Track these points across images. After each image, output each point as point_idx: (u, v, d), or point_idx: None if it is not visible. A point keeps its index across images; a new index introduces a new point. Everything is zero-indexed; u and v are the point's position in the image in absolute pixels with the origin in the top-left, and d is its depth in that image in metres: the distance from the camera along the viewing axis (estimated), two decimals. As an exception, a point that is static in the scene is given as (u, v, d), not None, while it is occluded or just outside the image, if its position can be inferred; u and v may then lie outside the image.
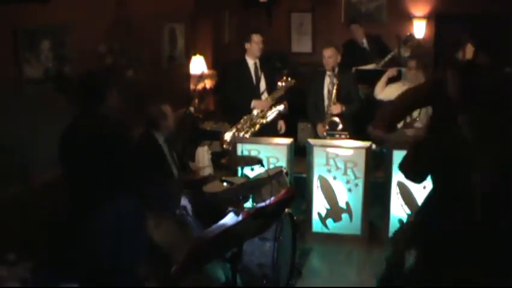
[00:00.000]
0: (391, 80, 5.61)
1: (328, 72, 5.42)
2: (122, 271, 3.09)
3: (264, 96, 5.51)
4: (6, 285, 3.18)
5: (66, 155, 3.16)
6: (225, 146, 5.48)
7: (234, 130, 5.44)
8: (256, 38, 5.41)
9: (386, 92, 5.43)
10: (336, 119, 5.32)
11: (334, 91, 5.31)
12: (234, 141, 5.19)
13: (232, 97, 5.63)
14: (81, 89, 3.24)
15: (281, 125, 5.60)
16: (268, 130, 5.43)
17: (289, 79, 5.49)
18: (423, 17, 8.03)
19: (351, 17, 7.84)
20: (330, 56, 5.36)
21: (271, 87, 5.52)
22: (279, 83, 5.48)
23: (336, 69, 5.38)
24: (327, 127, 5.34)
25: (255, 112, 5.45)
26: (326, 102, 5.44)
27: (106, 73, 3.45)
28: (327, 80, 5.45)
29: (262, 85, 5.52)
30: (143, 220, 3.24)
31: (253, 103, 5.45)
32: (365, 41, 7.17)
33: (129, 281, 3.13)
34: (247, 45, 5.47)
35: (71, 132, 3.18)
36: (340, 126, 5.30)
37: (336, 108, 5.32)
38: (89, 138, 3.08)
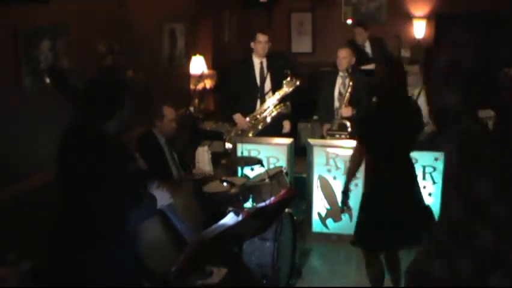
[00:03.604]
0: None
1: (341, 73, 5.36)
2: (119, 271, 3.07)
3: (269, 96, 5.43)
4: (6, 285, 3.18)
5: (62, 159, 3.08)
6: (227, 144, 5.48)
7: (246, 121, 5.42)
8: (261, 37, 5.33)
9: None
10: (346, 122, 5.26)
11: (347, 94, 5.21)
12: (234, 141, 5.19)
13: (232, 97, 5.59)
14: (91, 99, 2.90)
15: (285, 125, 5.51)
16: (271, 131, 5.41)
17: (293, 79, 5.37)
18: (423, 17, 8.03)
19: (357, 19, 7.77)
20: (344, 57, 5.26)
21: (277, 88, 5.43)
22: (284, 82, 5.38)
23: (349, 71, 5.27)
24: (334, 128, 5.30)
25: (256, 111, 5.43)
26: (336, 103, 5.37)
27: (120, 86, 3.07)
28: (338, 81, 5.38)
29: (268, 85, 5.45)
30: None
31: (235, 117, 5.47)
32: (367, 44, 7.11)
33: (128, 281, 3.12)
34: (252, 45, 5.41)
35: (70, 139, 3.03)
36: (349, 129, 5.24)
37: (347, 111, 5.22)
38: (88, 150, 2.83)
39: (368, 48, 7.06)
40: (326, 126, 5.39)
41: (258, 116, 5.42)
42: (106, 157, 2.81)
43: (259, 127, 5.42)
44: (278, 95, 5.38)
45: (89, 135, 2.85)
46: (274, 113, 5.40)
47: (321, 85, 5.60)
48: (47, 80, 4.02)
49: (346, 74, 5.29)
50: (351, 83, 5.21)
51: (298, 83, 5.39)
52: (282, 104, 5.38)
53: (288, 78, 5.39)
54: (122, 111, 2.90)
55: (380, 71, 3.75)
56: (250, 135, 5.42)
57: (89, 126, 2.86)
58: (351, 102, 5.22)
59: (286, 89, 5.36)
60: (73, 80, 3.05)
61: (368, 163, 3.69)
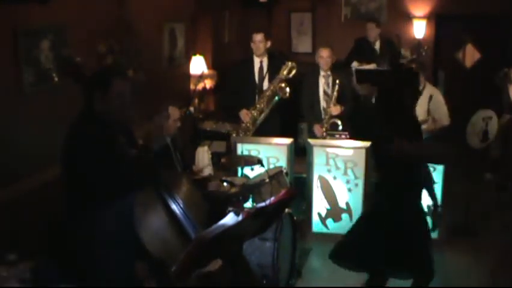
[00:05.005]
0: None
1: (322, 72, 5.41)
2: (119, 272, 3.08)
3: None
4: (6, 285, 3.18)
5: (65, 156, 3.11)
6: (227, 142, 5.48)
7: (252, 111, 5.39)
8: (255, 37, 5.35)
9: None
10: (337, 121, 5.29)
11: (335, 93, 5.28)
12: (234, 141, 5.19)
13: (231, 97, 5.59)
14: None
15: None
16: (269, 131, 5.40)
17: (290, 63, 5.30)
18: (423, 17, 8.02)
19: (368, 15, 7.78)
20: (328, 56, 5.34)
21: None
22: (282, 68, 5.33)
23: (332, 69, 5.35)
24: (325, 127, 5.31)
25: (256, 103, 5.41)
26: (322, 103, 5.42)
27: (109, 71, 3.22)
28: (321, 81, 5.43)
29: (266, 84, 5.43)
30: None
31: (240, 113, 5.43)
32: (378, 42, 7.08)
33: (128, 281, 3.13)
34: (251, 45, 5.44)
35: (73, 135, 3.08)
36: (340, 128, 5.29)
37: (336, 110, 5.29)
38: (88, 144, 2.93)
39: (377, 46, 7.03)
40: (317, 127, 5.39)
41: (258, 106, 5.38)
42: (105, 143, 2.90)
43: (255, 114, 5.36)
44: (274, 81, 5.32)
45: (89, 121, 2.95)
46: (272, 98, 5.33)
47: (302, 86, 5.57)
48: (57, 73, 4.05)
49: (329, 73, 5.34)
50: (337, 81, 5.27)
51: (294, 66, 5.28)
52: (279, 87, 5.28)
53: (285, 64, 5.32)
54: (118, 82, 2.96)
55: (389, 75, 3.69)
56: (249, 125, 5.37)
57: (88, 112, 2.97)
58: (340, 100, 5.30)
59: (283, 74, 5.30)
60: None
61: None
